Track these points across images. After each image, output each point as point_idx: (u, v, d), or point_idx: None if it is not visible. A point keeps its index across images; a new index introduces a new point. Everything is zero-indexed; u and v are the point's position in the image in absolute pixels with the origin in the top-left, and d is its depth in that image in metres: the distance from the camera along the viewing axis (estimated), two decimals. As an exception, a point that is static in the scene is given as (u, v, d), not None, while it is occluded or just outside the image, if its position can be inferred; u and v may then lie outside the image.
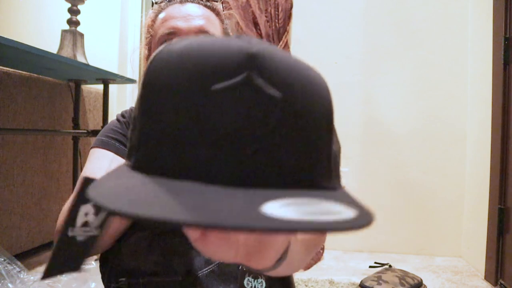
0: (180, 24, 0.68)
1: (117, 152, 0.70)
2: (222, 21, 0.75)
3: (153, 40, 0.74)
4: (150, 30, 0.75)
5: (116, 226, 0.59)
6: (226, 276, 0.61)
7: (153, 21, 0.75)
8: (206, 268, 0.59)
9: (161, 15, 0.73)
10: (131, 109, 0.80)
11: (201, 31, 0.68)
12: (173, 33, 0.68)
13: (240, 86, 0.26)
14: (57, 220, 0.61)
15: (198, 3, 0.72)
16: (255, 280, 0.60)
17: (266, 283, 0.61)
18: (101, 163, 0.68)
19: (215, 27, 0.71)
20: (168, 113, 0.27)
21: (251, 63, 0.26)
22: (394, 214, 2.18)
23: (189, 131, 0.26)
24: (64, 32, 1.86)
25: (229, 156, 0.25)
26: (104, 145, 0.71)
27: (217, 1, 0.75)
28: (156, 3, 0.76)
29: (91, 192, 0.23)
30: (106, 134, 0.73)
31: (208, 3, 0.73)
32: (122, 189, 0.24)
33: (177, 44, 0.29)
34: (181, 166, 0.26)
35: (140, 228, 0.61)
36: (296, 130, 0.27)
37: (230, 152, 0.25)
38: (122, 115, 0.78)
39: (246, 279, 0.60)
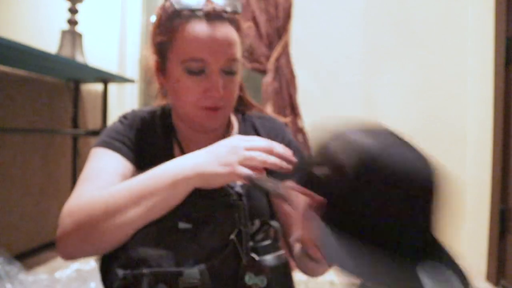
0: (209, 56, 0.66)
1: (120, 153, 0.70)
2: (242, 38, 0.72)
3: (172, 51, 0.69)
4: (168, 37, 0.69)
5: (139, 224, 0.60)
6: (228, 271, 0.61)
7: (174, 30, 0.68)
8: (209, 261, 0.59)
9: (186, 29, 0.67)
10: (133, 111, 0.80)
11: (229, 60, 0.68)
12: (200, 61, 0.66)
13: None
14: (60, 220, 0.61)
15: (224, 18, 0.68)
16: (257, 277, 0.61)
17: (267, 280, 0.61)
18: (107, 162, 0.68)
19: (239, 49, 0.70)
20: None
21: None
22: (395, 214, 2.17)
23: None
24: (63, 32, 1.86)
25: (406, 234, 0.39)
26: (108, 145, 0.71)
27: (239, 13, 0.72)
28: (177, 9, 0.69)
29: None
30: (109, 135, 0.73)
31: (234, 17, 0.70)
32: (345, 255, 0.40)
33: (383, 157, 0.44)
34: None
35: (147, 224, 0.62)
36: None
37: (410, 234, 0.40)
38: (125, 117, 0.78)
39: (247, 275, 0.61)
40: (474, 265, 1.93)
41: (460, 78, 2.13)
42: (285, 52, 2.13)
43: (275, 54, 2.10)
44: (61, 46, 1.84)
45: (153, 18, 0.73)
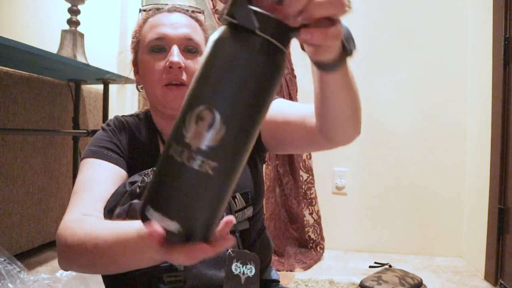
0: (168, 31, 0.74)
1: (109, 160, 0.72)
2: (204, 31, 0.81)
3: (140, 44, 0.78)
4: (137, 35, 0.80)
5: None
6: (216, 261, 0.61)
7: (141, 27, 0.79)
8: None
9: (150, 22, 0.78)
10: (115, 117, 0.83)
11: (187, 38, 0.74)
12: (161, 39, 0.74)
13: None
14: (58, 234, 0.59)
15: (184, 13, 0.78)
16: (244, 266, 0.60)
17: (255, 270, 0.60)
18: (98, 172, 0.70)
19: (199, 35, 0.77)
20: None
21: None
22: (394, 214, 2.18)
23: None
24: (64, 32, 1.86)
25: None
26: (96, 155, 0.72)
27: (200, 12, 0.82)
28: (144, 10, 0.82)
29: None
30: (95, 144, 0.75)
31: (193, 14, 0.79)
32: None
33: None
34: None
35: None
36: None
37: None
38: (107, 124, 0.81)
39: (234, 264, 0.60)
40: (473, 264, 1.94)
41: (459, 78, 2.14)
42: (285, 52, 2.13)
43: (275, 54, 2.10)
44: (62, 46, 1.85)
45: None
